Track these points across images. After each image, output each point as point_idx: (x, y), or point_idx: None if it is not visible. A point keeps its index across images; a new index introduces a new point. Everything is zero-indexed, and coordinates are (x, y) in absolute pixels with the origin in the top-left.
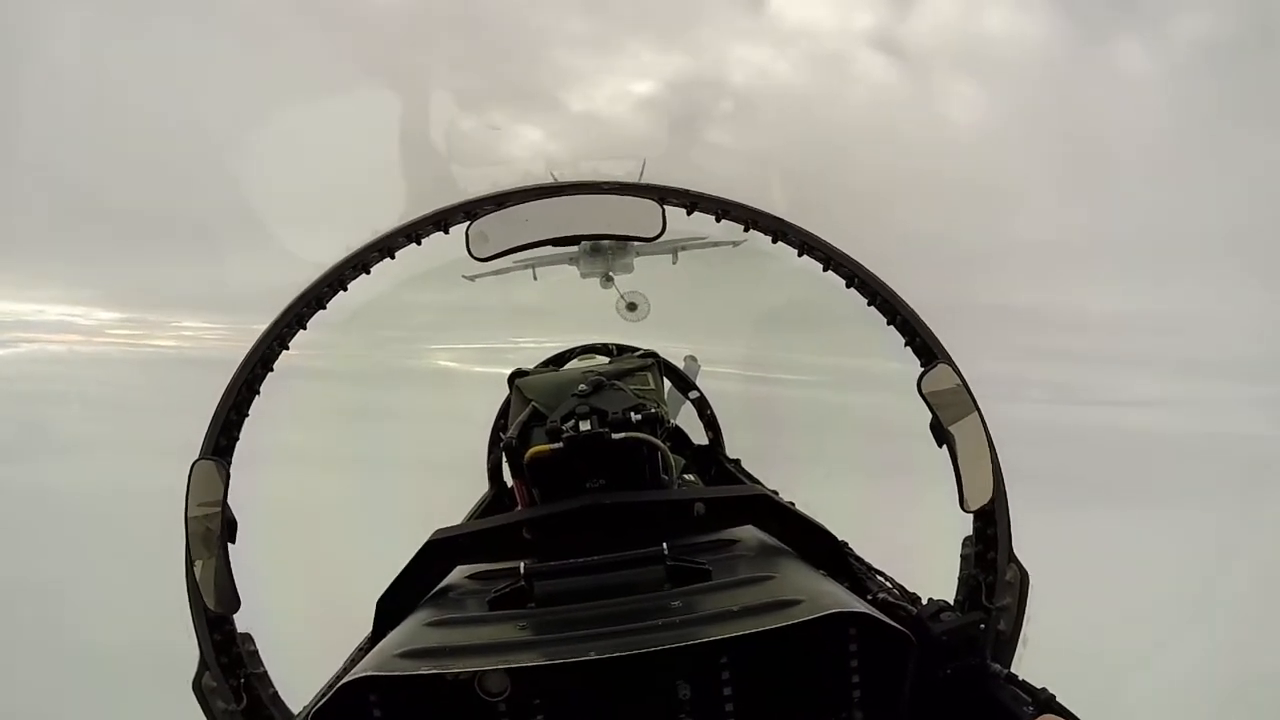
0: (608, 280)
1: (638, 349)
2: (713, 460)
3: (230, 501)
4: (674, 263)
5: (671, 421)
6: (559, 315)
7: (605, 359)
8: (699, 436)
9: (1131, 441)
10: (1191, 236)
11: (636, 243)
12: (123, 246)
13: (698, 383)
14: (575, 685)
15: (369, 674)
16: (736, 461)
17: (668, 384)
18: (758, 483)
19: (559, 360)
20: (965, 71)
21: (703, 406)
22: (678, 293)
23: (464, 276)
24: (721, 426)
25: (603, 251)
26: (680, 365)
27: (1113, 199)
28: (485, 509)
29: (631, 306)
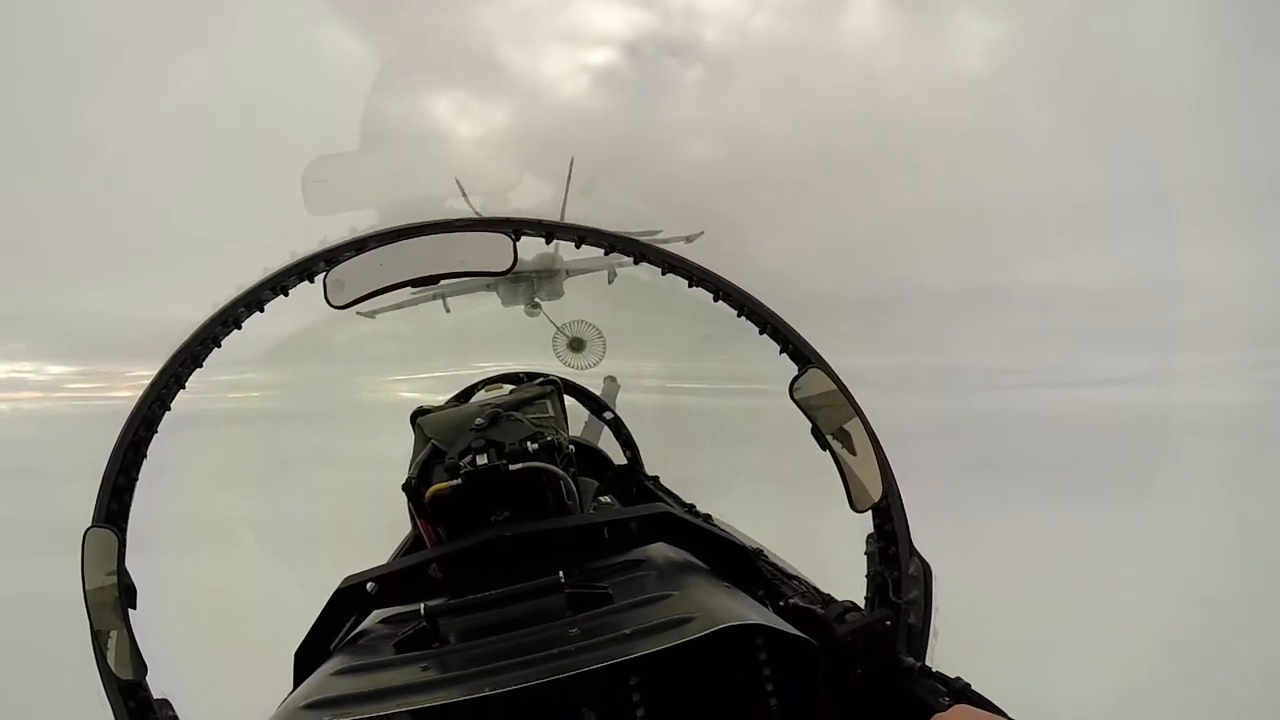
0: (534, 308)
1: (544, 375)
2: (633, 479)
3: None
4: (610, 282)
5: (570, 447)
6: (524, 337)
7: (511, 387)
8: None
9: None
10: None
11: (563, 267)
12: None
13: (616, 402)
14: None
15: None
16: (655, 479)
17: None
18: (675, 497)
19: (466, 394)
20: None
21: (619, 427)
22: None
23: (360, 314)
24: (639, 445)
25: (524, 277)
26: (600, 387)
27: (1142, 153)
28: (409, 548)
29: (576, 345)
